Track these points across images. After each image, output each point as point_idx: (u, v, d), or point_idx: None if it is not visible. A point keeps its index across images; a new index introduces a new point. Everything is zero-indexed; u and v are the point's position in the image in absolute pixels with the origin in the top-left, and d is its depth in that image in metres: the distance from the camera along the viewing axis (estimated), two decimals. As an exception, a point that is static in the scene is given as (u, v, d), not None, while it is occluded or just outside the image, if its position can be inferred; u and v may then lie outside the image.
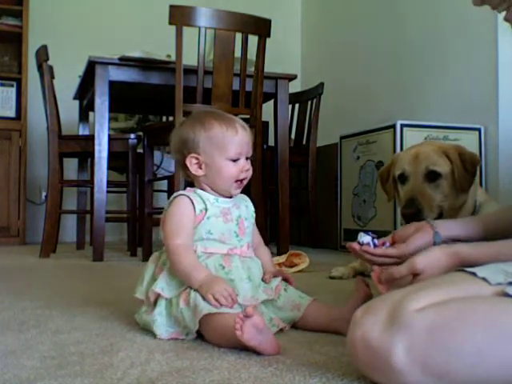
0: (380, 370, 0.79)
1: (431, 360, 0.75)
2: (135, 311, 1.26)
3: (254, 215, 1.33)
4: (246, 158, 1.26)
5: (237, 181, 1.25)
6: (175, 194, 1.26)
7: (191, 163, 1.25)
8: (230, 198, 1.28)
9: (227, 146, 1.23)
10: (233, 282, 1.17)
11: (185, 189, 1.28)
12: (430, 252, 1.07)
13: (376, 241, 1.24)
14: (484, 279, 0.84)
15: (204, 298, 1.11)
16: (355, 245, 1.23)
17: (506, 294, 0.80)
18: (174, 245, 1.18)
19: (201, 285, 1.11)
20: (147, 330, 1.19)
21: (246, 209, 1.30)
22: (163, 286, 1.17)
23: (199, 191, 1.25)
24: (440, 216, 1.58)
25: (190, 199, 1.22)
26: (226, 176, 1.24)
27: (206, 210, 1.22)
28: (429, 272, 1.03)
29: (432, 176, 1.63)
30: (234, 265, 1.20)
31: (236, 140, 1.24)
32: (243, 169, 1.25)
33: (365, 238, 1.23)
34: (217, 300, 1.08)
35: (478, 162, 1.69)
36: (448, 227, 1.23)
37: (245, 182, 1.28)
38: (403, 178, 1.69)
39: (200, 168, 1.25)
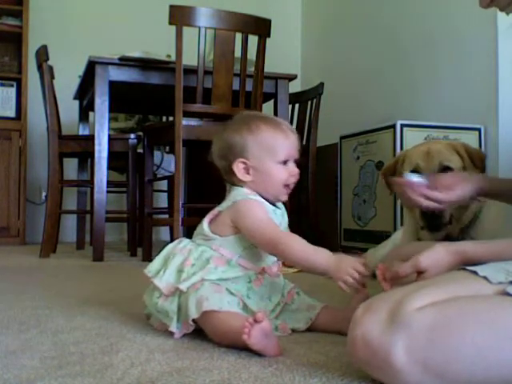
0: (380, 369, 0.79)
1: (431, 359, 0.75)
2: (135, 311, 1.26)
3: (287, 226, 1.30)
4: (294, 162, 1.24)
5: (285, 186, 1.22)
6: (243, 196, 1.19)
7: (239, 168, 1.21)
8: (274, 205, 1.25)
9: (277, 149, 1.20)
10: (249, 299, 1.16)
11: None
12: (434, 250, 1.06)
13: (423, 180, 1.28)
14: (485, 278, 0.84)
15: (215, 292, 1.10)
16: (404, 181, 1.27)
17: (507, 294, 0.80)
18: (278, 234, 1.15)
19: (327, 269, 1.08)
20: (147, 330, 1.19)
21: (282, 219, 1.27)
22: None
23: (259, 197, 1.21)
24: (451, 215, 1.57)
25: (261, 202, 1.19)
26: (277, 180, 1.21)
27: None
28: (433, 270, 1.03)
29: (445, 172, 1.62)
30: (264, 284, 1.19)
31: (287, 143, 1.21)
32: (293, 172, 1.22)
33: (413, 177, 1.26)
34: (345, 282, 1.06)
35: (484, 156, 1.69)
36: (481, 180, 1.32)
37: (292, 188, 1.25)
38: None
39: (248, 173, 1.21)
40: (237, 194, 1.21)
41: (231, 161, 1.21)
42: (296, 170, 1.22)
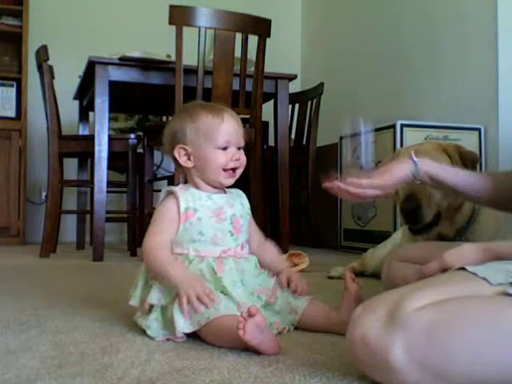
0: (379, 369, 0.79)
1: (429, 359, 0.75)
2: (135, 312, 1.26)
3: (250, 212, 1.30)
4: (238, 149, 1.24)
5: (226, 170, 1.23)
6: (166, 189, 1.25)
7: (180, 155, 1.23)
8: (224, 192, 1.26)
9: (214, 135, 1.21)
10: (225, 289, 1.15)
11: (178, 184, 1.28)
12: (460, 247, 1.04)
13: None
14: (485, 279, 0.84)
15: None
16: (338, 183, 1.19)
17: (508, 294, 0.80)
18: (150, 244, 1.18)
19: (179, 283, 1.10)
20: (147, 330, 1.20)
21: (241, 206, 1.27)
22: (159, 296, 1.15)
23: (192, 189, 1.23)
24: (438, 216, 1.57)
25: (177, 197, 1.21)
26: (214, 165, 1.21)
27: (196, 210, 1.20)
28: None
29: None
30: (228, 268, 1.17)
31: (223, 128, 1.21)
32: (233, 158, 1.22)
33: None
34: (189, 297, 1.08)
35: (477, 159, 1.69)
36: (430, 164, 1.24)
37: (238, 173, 1.25)
38: None
39: (189, 159, 1.23)
40: (167, 188, 1.26)
41: (173, 148, 1.24)
42: (237, 156, 1.22)
